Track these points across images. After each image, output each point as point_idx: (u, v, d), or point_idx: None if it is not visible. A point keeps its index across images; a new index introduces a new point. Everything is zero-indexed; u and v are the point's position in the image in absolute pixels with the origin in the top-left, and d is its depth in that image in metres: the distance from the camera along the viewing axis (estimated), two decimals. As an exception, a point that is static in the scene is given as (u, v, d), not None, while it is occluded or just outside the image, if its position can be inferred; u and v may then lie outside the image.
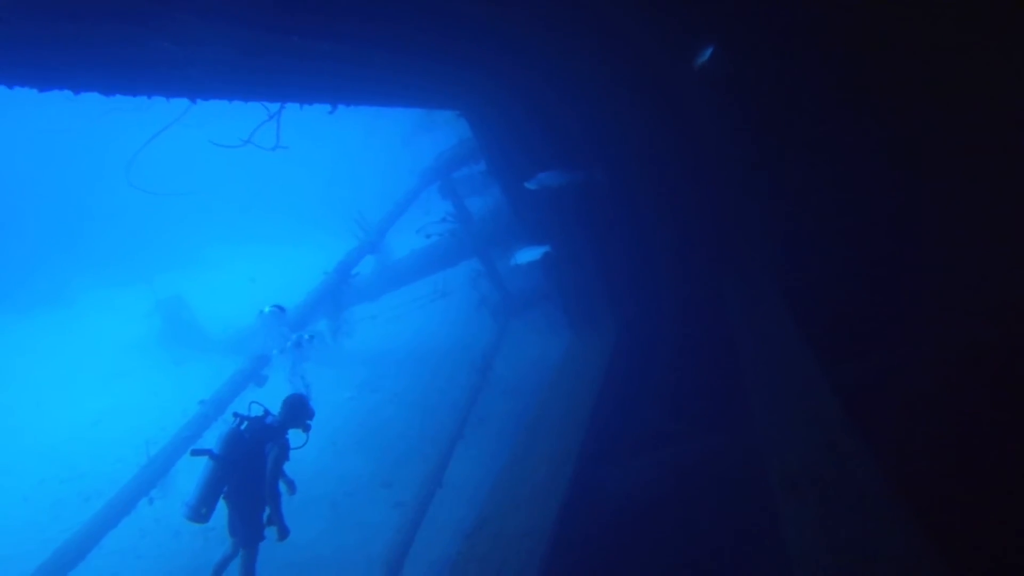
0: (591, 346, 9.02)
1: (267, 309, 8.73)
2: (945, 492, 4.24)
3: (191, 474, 9.85)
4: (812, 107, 7.40)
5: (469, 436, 10.41)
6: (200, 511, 5.01)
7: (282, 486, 5.65)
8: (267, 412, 5.65)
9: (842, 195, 7.21)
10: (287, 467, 5.68)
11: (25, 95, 3.73)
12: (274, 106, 6.14)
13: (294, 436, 5.74)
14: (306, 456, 12.26)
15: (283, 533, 5.49)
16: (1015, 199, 5.90)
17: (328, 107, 6.78)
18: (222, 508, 5.32)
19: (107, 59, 3.30)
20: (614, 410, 7.23)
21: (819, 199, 7.44)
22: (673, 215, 8.98)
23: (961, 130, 6.28)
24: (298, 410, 5.70)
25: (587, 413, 6.90)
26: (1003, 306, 5.35)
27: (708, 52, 7.08)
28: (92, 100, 4.33)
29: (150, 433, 13.12)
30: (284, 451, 5.50)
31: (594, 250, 9.63)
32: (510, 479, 6.25)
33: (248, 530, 5.41)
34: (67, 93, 3.56)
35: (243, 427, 5.37)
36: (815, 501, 4.02)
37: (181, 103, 4.55)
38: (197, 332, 18.58)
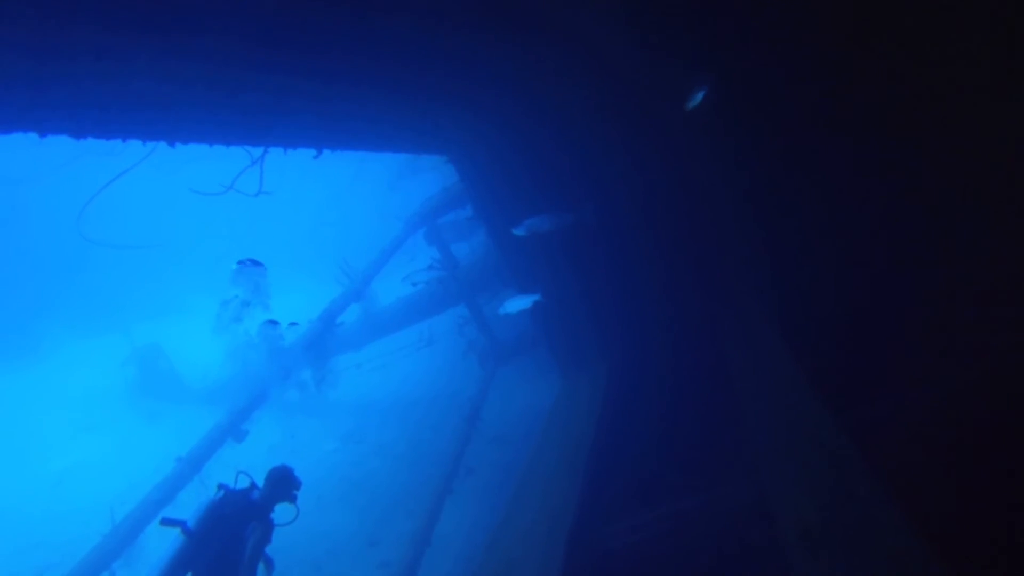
0: (582, 392, 8.75)
1: (234, 266, 8.11)
2: (969, 535, 4.00)
3: (161, 541, 9.34)
4: (806, 134, 7.37)
5: (458, 488, 10.00)
6: None
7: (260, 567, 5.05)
8: (253, 485, 5.15)
9: (839, 225, 7.14)
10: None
11: (-8, 138, 3.50)
12: (257, 151, 5.99)
13: (280, 512, 5.27)
14: (288, 513, 11.78)
15: None
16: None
17: (313, 152, 6.65)
18: None
19: (79, 99, 3.10)
20: (610, 460, 6.93)
21: (814, 231, 7.36)
22: (662, 252, 8.88)
23: (965, 152, 6.25)
24: (284, 483, 5.22)
25: (582, 464, 6.58)
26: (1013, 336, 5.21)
27: (698, 89, 7.04)
28: (64, 144, 4.12)
29: (119, 493, 12.51)
30: (268, 532, 4.96)
31: (583, 292, 9.48)
32: (504, 537, 5.89)
33: None
34: (32, 136, 3.35)
35: (222, 500, 4.85)
36: (838, 554, 3.76)
37: (157, 147, 4.33)
38: (174, 381, 18.01)
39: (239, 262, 7.52)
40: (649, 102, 8.09)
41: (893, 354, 5.78)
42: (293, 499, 5.25)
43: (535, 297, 8.20)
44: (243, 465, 13.07)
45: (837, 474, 4.46)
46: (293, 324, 10.16)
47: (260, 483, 5.24)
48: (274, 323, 8.08)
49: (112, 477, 14.25)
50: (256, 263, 7.18)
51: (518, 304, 8.28)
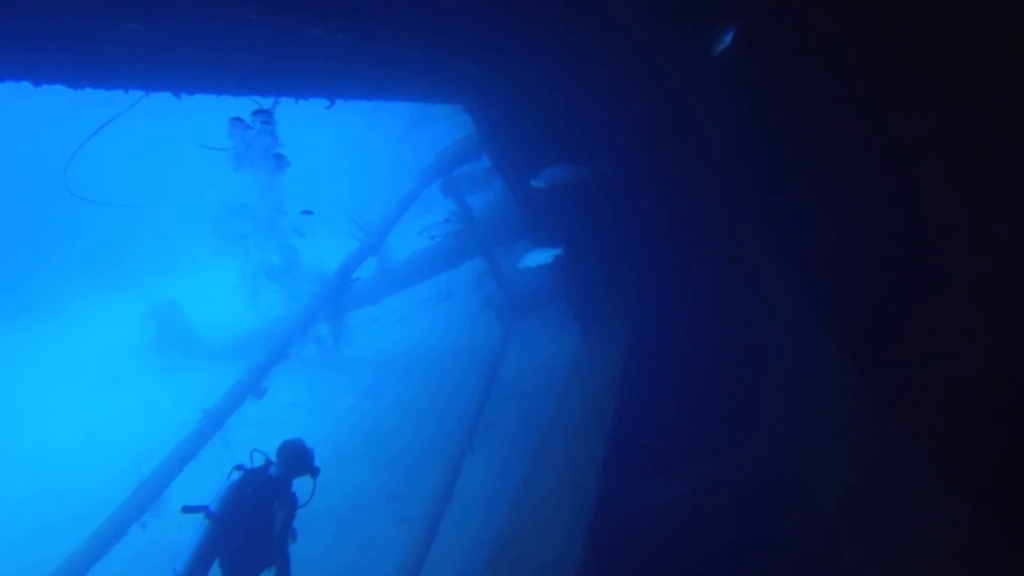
0: (602, 350, 8.60)
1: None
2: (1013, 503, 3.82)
3: (186, 494, 9.43)
4: (831, 96, 6.97)
5: (477, 444, 9.98)
6: None
7: None
8: (269, 462, 4.97)
9: (867, 188, 6.77)
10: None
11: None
12: (267, 101, 5.71)
13: (298, 487, 5.10)
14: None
15: None
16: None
17: (325, 102, 6.35)
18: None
19: (71, 42, 2.84)
20: (631, 421, 6.80)
21: (842, 192, 7.00)
22: (684, 210, 8.59)
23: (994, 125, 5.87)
24: (299, 456, 5.04)
25: (605, 425, 6.46)
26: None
27: (719, 42, 6.66)
28: (79, 96, 3.87)
29: (146, 446, 12.69)
30: (292, 509, 4.82)
31: (603, 248, 9.22)
32: (529, 496, 5.83)
33: None
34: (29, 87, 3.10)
35: (241, 480, 4.68)
36: (882, 519, 3.61)
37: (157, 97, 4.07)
38: (193, 338, 18.10)
39: (231, 119, 6.50)
40: (668, 61, 7.73)
41: (928, 317, 5.50)
42: (315, 472, 5.11)
43: (556, 251, 7.93)
44: (264, 421, 13.21)
45: (876, 435, 4.28)
46: (307, 212, 9.42)
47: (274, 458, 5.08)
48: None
49: (139, 429, 14.46)
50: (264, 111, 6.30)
51: (539, 258, 8.03)
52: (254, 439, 12.76)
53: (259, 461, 4.95)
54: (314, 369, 15.14)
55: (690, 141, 8.22)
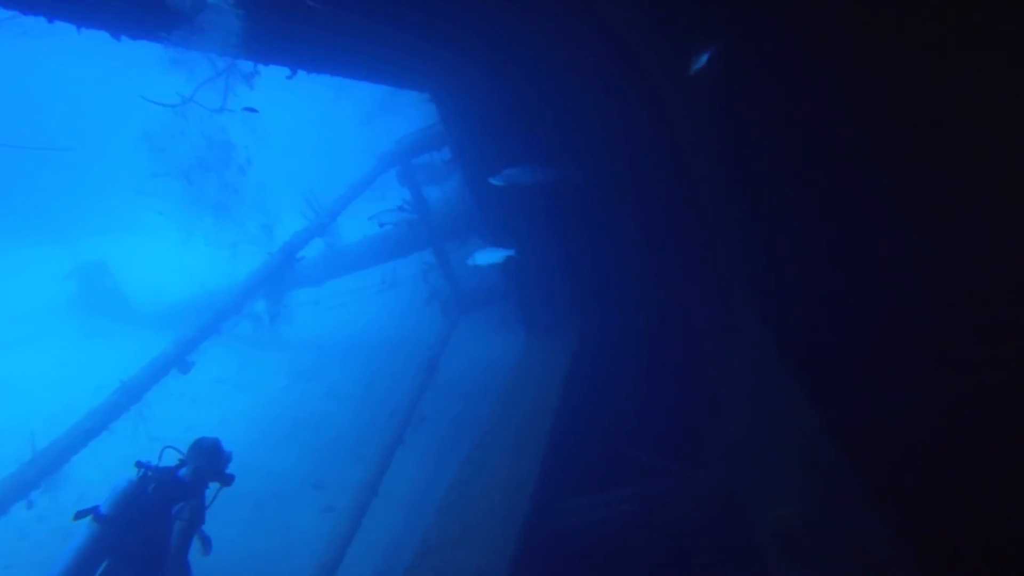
0: (549, 355, 8.52)
1: None
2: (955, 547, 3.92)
3: (90, 467, 8.84)
4: (803, 115, 7.11)
5: (410, 438, 9.78)
6: None
7: (195, 544, 4.37)
8: (182, 462, 4.50)
9: (831, 213, 6.93)
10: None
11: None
12: (222, 62, 5.38)
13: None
14: (232, 447, 11.39)
15: None
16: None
17: (287, 71, 6.05)
18: None
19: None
20: (575, 430, 6.76)
21: (807, 219, 7.15)
22: (645, 222, 8.62)
23: (962, 139, 6.07)
24: (215, 457, 4.60)
25: (546, 430, 6.38)
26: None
27: (701, 57, 6.71)
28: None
29: (50, 413, 11.92)
30: (199, 515, 4.30)
31: (558, 252, 9.17)
32: (458, 503, 5.67)
33: None
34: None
35: (142, 479, 4.13)
36: (816, 560, 3.62)
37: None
38: (119, 301, 17.12)
39: None
40: (645, 68, 7.74)
41: (884, 355, 5.65)
42: (228, 480, 4.64)
43: (509, 252, 7.81)
44: (188, 395, 12.61)
45: (819, 474, 4.32)
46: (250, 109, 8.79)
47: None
48: None
49: (50, 393, 13.55)
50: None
51: (489, 257, 7.89)
52: (175, 414, 12.21)
53: (172, 459, 4.50)
54: (247, 346, 14.58)
55: (662, 152, 8.24)
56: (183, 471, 4.35)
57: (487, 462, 6.27)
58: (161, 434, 11.47)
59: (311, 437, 11.34)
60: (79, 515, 3.92)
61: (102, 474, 10.21)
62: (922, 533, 3.50)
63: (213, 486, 4.63)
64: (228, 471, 4.72)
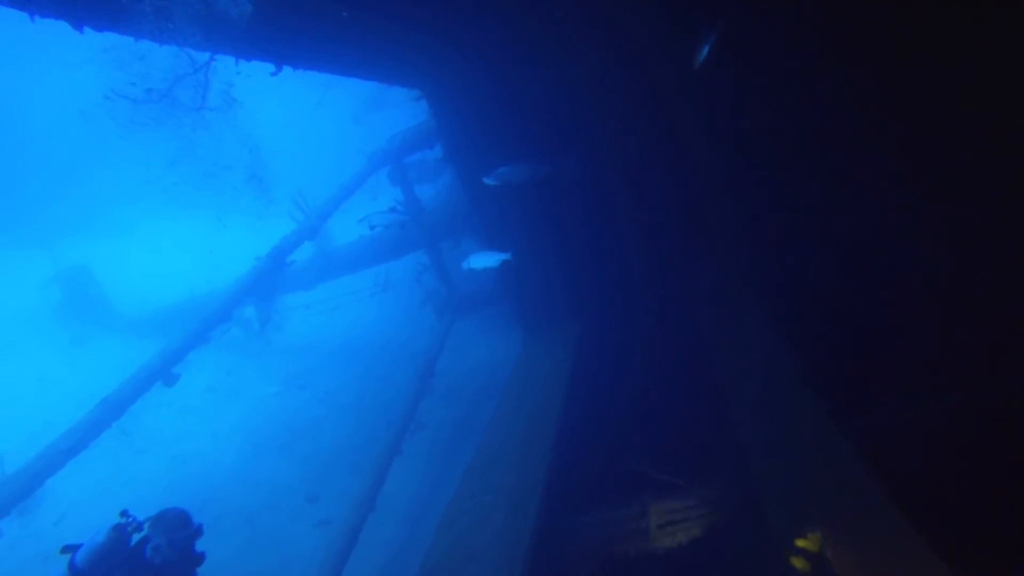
0: (548, 359, 8.23)
1: None
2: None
3: (71, 484, 8.43)
4: (810, 107, 6.85)
5: (407, 446, 9.47)
6: None
7: None
8: (145, 539, 3.90)
9: (841, 212, 6.66)
10: None
11: None
12: (202, 57, 5.05)
13: None
14: (223, 459, 11.06)
15: None
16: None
17: (271, 67, 5.71)
18: None
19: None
20: (579, 440, 6.46)
21: (813, 217, 6.88)
22: (647, 218, 8.35)
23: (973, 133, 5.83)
24: (180, 533, 3.95)
25: (550, 440, 6.09)
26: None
27: (703, 48, 6.46)
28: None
29: (35, 428, 11.52)
30: None
31: (557, 249, 8.88)
32: (460, 518, 5.39)
33: None
34: None
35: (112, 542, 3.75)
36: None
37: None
38: (103, 307, 16.64)
39: None
40: (647, 61, 7.46)
41: (894, 358, 5.39)
42: (198, 559, 4.04)
43: (504, 256, 7.53)
44: (175, 406, 12.24)
45: (845, 489, 4.06)
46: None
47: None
48: None
49: (29, 406, 13.13)
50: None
51: (484, 260, 7.62)
52: (162, 425, 11.85)
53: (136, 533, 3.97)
54: (237, 353, 14.21)
55: (663, 147, 7.97)
56: (147, 550, 3.83)
57: (488, 475, 5.98)
58: (147, 447, 11.16)
59: (304, 447, 11.02)
60: (65, 550, 3.63)
61: (84, 492, 9.88)
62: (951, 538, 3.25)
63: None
64: (197, 549, 4.05)
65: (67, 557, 3.67)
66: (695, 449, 5.91)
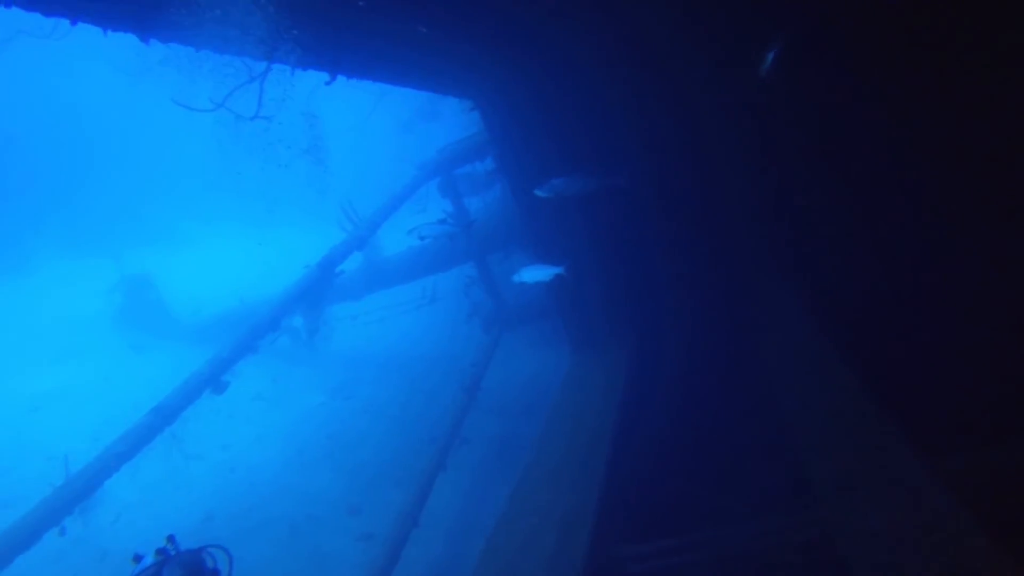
0: (600, 373, 7.97)
1: None
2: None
3: (125, 486, 8.57)
4: (852, 120, 6.56)
5: (450, 460, 9.29)
6: None
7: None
8: None
9: (884, 218, 6.31)
10: None
11: None
12: (258, 67, 5.06)
13: None
14: (268, 466, 11.11)
15: None
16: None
17: (326, 76, 5.69)
18: None
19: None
20: (629, 464, 6.17)
21: (858, 225, 6.55)
22: (693, 231, 8.14)
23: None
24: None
25: (602, 461, 5.82)
26: None
27: (767, 57, 6.28)
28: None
29: (97, 426, 11.83)
30: None
31: (608, 263, 8.67)
32: (507, 544, 5.15)
33: None
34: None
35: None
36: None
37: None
38: (162, 314, 17.14)
39: None
40: (689, 78, 7.31)
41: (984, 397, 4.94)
42: None
43: (557, 270, 7.31)
44: (224, 411, 12.37)
45: (929, 516, 3.68)
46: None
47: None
48: None
49: (92, 408, 13.53)
50: None
51: (537, 274, 7.42)
52: (211, 431, 12.00)
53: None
54: (283, 361, 14.35)
55: (710, 159, 7.79)
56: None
57: (536, 497, 5.73)
58: (198, 452, 11.32)
59: (347, 457, 10.97)
60: (136, 559, 3.39)
61: (138, 495, 10.06)
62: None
63: None
64: None
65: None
66: (757, 474, 5.57)
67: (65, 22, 3.62)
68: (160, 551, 3.34)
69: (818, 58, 6.34)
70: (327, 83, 5.71)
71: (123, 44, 4.45)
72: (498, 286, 12.29)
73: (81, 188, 26.77)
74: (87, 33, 3.99)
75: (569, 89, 7.84)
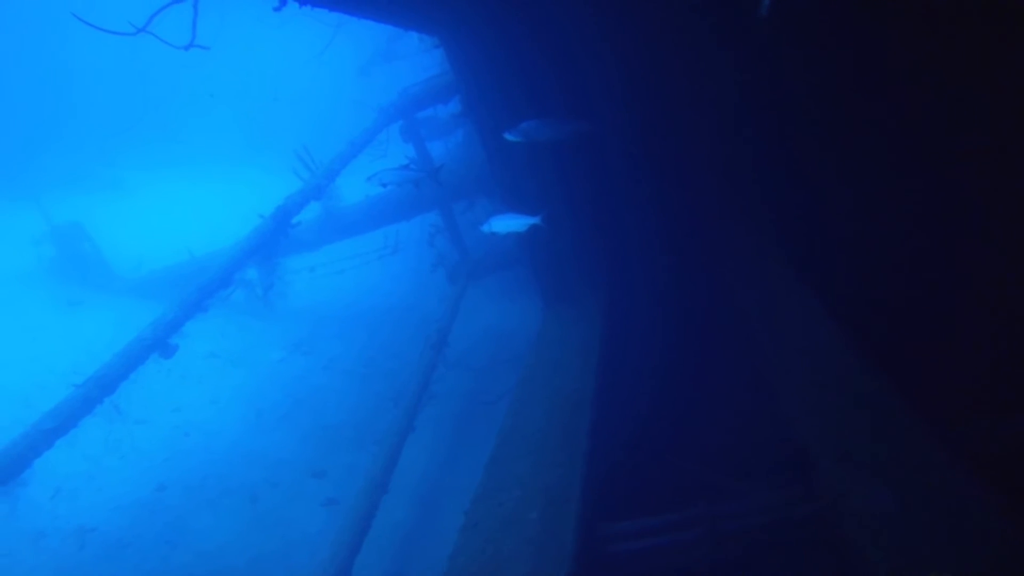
0: (574, 330, 7.62)
1: None
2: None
3: (68, 455, 7.90)
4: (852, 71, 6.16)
5: (418, 419, 8.93)
6: None
7: None
8: None
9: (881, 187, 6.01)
10: None
11: None
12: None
13: None
14: (225, 429, 10.56)
15: None
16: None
17: (274, 2, 4.96)
18: None
19: None
20: (615, 428, 5.90)
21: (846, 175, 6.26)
22: (679, 183, 7.79)
23: None
24: None
25: (584, 430, 5.50)
26: None
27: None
28: None
29: (26, 390, 11.02)
30: None
31: (581, 213, 8.27)
32: (487, 519, 4.82)
33: None
34: None
35: None
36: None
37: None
38: (100, 267, 16.02)
39: None
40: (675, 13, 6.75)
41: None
42: None
43: (533, 220, 6.84)
44: (176, 372, 11.66)
45: (945, 495, 3.48)
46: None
47: None
48: None
49: (21, 370, 12.56)
50: None
51: (510, 224, 6.94)
52: (161, 393, 11.32)
53: None
54: (240, 315, 13.62)
55: (698, 103, 7.35)
56: None
57: (515, 467, 5.39)
58: (146, 416, 10.66)
59: (307, 416, 10.52)
60: None
61: (79, 466, 9.38)
62: None
63: None
64: None
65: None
66: (744, 443, 5.36)
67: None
68: None
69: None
70: (276, 9, 4.99)
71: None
72: (463, 235, 11.80)
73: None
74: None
75: (542, 24, 7.23)
